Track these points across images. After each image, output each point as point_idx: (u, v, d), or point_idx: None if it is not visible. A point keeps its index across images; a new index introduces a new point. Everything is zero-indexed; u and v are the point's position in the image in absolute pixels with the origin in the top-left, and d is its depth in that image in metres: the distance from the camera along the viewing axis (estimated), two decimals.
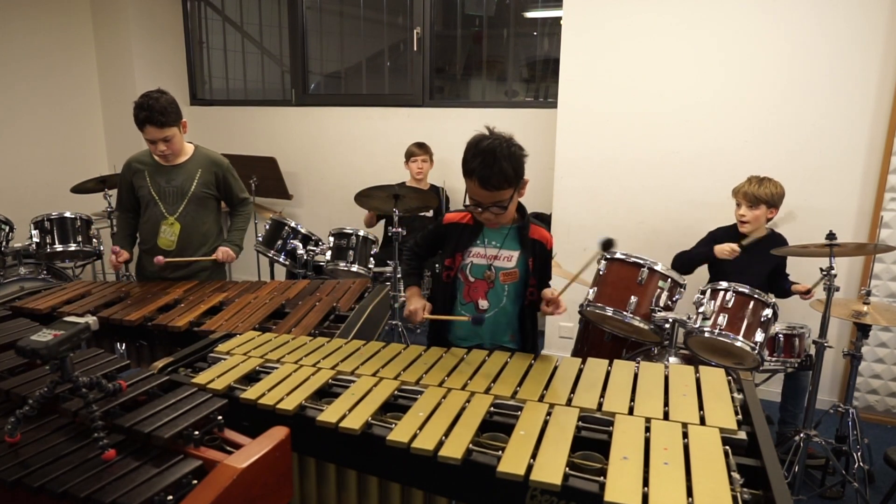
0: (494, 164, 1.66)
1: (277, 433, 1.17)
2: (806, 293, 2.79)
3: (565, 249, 3.72)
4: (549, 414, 1.37)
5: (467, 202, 1.79)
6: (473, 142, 1.73)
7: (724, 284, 2.51)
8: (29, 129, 4.82)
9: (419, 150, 4.08)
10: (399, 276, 3.35)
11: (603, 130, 3.54)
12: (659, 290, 2.56)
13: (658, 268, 2.58)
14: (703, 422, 1.32)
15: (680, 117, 3.38)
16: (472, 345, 1.92)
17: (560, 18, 3.56)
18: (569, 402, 1.43)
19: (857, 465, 2.52)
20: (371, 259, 3.52)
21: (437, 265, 2.16)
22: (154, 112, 2.45)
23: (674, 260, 2.99)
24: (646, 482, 1.11)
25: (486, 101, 4.59)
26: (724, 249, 2.75)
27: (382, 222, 4.28)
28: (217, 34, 5.41)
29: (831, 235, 2.36)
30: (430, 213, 4.01)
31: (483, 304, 1.91)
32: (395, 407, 1.49)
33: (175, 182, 2.65)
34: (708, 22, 3.24)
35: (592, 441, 1.30)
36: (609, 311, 2.59)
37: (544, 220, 4.10)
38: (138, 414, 1.23)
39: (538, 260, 1.88)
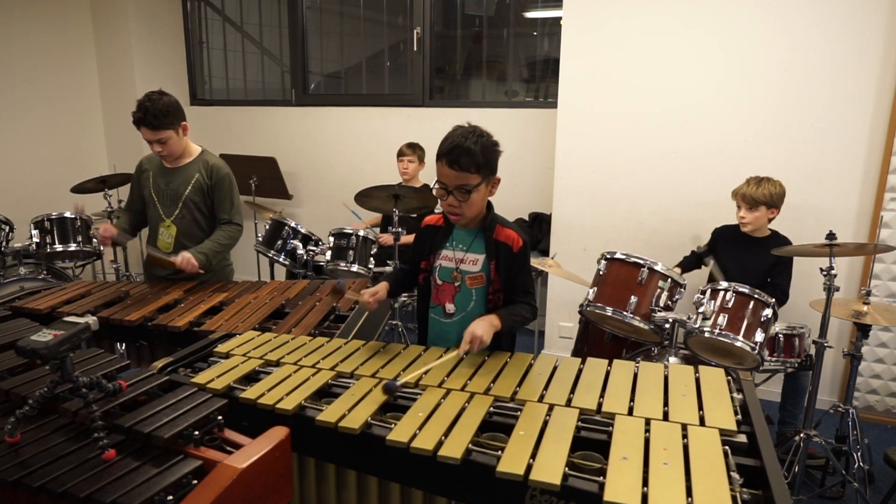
0: (462, 143, 1.70)
1: (277, 433, 1.17)
2: None
3: (565, 249, 3.72)
4: (548, 414, 1.37)
5: (435, 186, 1.80)
6: (450, 131, 1.78)
7: (724, 284, 2.51)
8: (29, 129, 4.82)
9: (408, 151, 4.09)
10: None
11: (603, 130, 3.54)
12: (659, 290, 2.56)
13: (658, 268, 2.58)
14: (702, 422, 1.32)
15: (680, 117, 3.38)
16: (445, 347, 1.85)
17: (560, 18, 3.56)
18: (568, 403, 1.43)
19: (857, 465, 2.52)
20: (371, 259, 3.52)
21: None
22: (148, 114, 2.43)
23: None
24: (645, 482, 1.11)
25: (486, 101, 4.58)
26: None
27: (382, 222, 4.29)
28: (217, 34, 5.41)
29: (831, 235, 2.35)
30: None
31: (450, 307, 1.88)
32: (394, 407, 1.49)
33: (172, 185, 2.63)
34: (708, 22, 3.24)
35: (592, 441, 1.30)
36: (609, 311, 2.59)
37: (544, 220, 4.11)
38: (138, 414, 1.23)
39: (501, 263, 1.83)
